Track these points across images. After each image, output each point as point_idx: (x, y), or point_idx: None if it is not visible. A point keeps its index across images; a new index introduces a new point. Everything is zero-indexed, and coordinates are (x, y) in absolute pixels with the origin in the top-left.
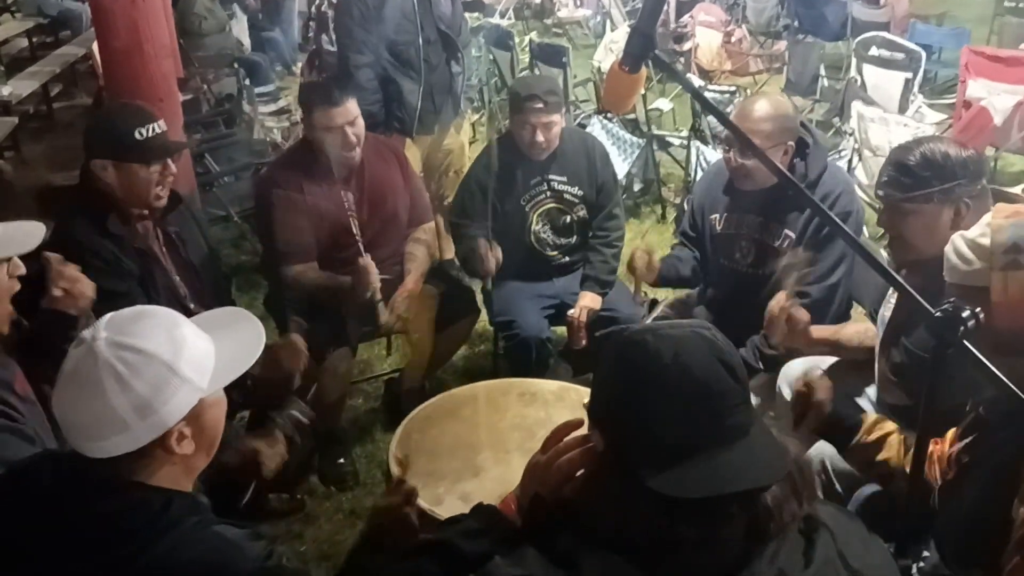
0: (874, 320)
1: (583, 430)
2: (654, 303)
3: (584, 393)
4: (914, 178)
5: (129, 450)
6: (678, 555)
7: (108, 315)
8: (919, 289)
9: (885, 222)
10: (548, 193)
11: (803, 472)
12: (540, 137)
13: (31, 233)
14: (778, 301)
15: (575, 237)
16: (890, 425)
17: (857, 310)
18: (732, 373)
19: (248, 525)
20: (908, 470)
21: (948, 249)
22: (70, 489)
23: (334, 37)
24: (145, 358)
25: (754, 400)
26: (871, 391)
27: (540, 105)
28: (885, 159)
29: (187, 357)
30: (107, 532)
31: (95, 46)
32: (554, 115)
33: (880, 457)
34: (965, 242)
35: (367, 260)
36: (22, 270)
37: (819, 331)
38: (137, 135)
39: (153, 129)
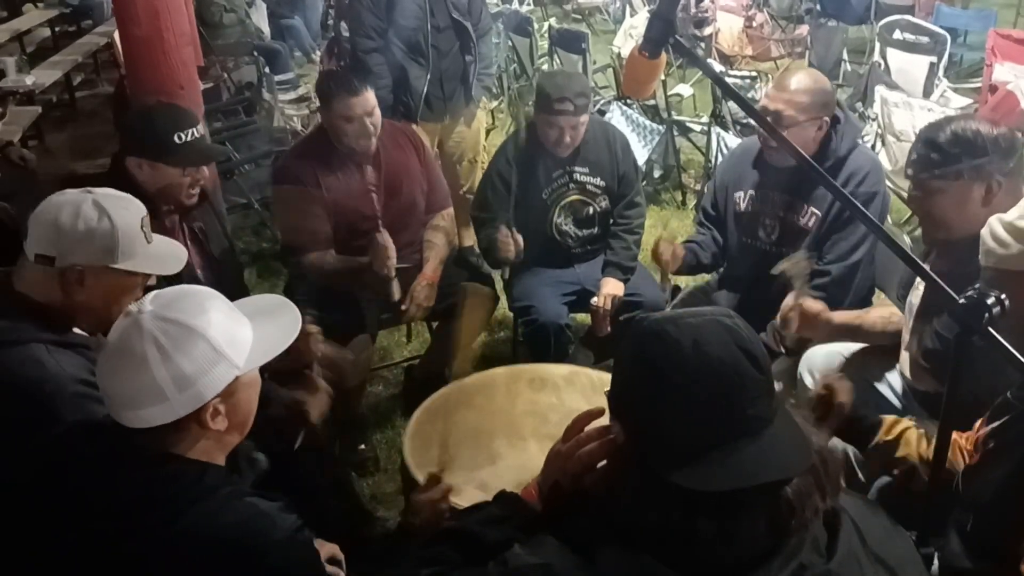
0: (901, 307)
1: (604, 419)
2: (676, 290)
3: (595, 376)
4: (943, 155)
5: (166, 421)
6: (697, 547)
7: (153, 292)
8: (948, 272)
9: (916, 201)
10: (571, 185)
11: (828, 465)
12: (567, 138)
13: (179, 257)
14: (787, 303)
15: (597, 228)
16: (907, 422)
17: (879, 296)
18: (754, 362)
19: (280, 498)
20: (929, 460)
21: (985, 232)
22: (108, 458)
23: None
24: (188, 332)
25: (775, 385)
26: (892, 377)
27: (571, 108)
28: (915, 138)
29: (226, 335)
30: (142, 500)
31: (116, 35)
32: (582, 116)
33: (899, 454)
34: (1003, 225)
35: (385, 236)
36: (153, 280)
37: (842, 316)
38: (176, 139)
39: (192, 134)
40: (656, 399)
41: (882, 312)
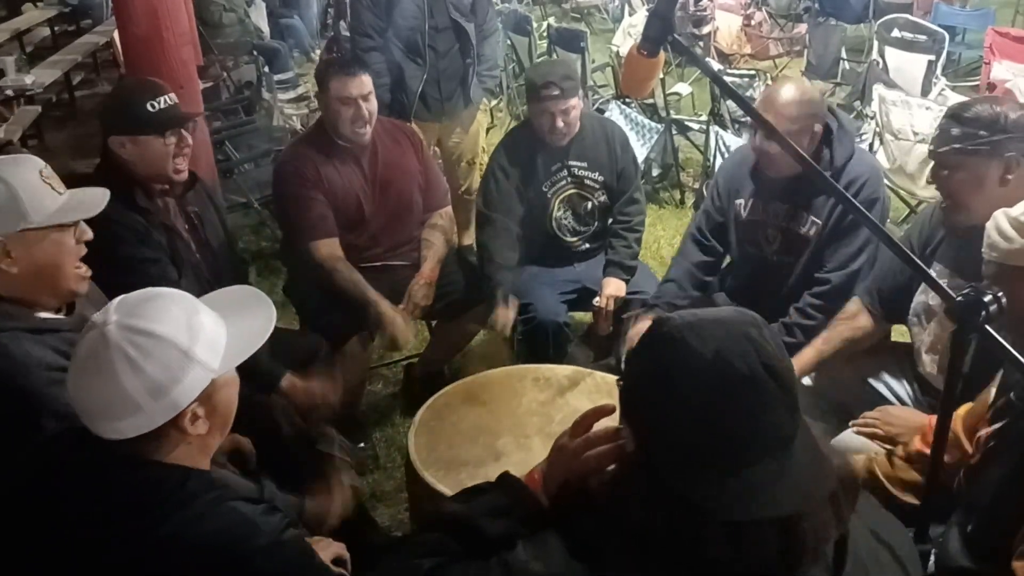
0: (874, 307)
1: (613, 418)
2: None
3: (599, 377)
4: (963, 129)
5: (143, 431)
6: (706, 563)
7: (118, 299)
8: (965, 261)
9: (937, 179)
10: (569, 179)
11: (847, 488)
12: (560, 123)
13: (97, 198)
14: None
15: (596, 223)
16: (866, 458)
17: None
18: (778, 379)
19: (265, 501)
20: (900, 479)
21: (990, 225)
22: (89, 466)
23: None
24: (156, 340)
25: None
26: (887, 374)
27: (557, 92)
28: (942, 115)
29: (197, 338)
30: (125, 506)
31: (116, 34)
32: (572, 99)
33: (873, 490)
34: (1008, 219)
35: (396, 324)
36: (89, 235)
37: (802, 360)
38: (150, 107)
39: (165, 101)
40: (669, 411)
41: (840, 330)
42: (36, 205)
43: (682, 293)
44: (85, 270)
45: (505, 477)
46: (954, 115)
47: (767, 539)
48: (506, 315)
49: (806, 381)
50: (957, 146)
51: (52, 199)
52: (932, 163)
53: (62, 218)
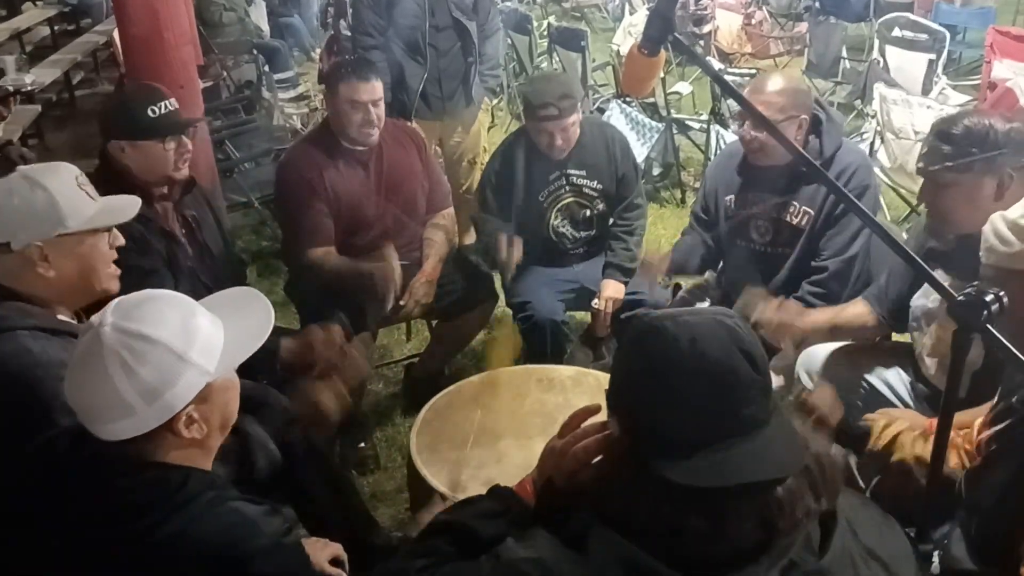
0: (882, 314)
1: (601, 416)
2: (678, 287)
3: (602, 378)
4: (955, 147)
5: (137, 434)
6: (686, 542)
7: (115, 300)
8: (964, 266)
9: (926, 195)
10: (567, 188)
11: (824, 468)
12: (559, 141)
13: (129, 205)
14: (753, 320)
15: (595, 230)
16: (899, 424)
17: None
18: (752, 363)
19: (267, 502)
20: (926, 460)
21: (987, 229)
22: (91, 464)
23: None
24: (150, 344)
25: (776, 380)
26: (887, 374)
27: (555, 113)
28: (928, 132)
29: (193, 341)
30: (125, 506)
31: (116, 34)
32: (570, 117)
33: (894, 458)
34: (1006, 223)
35: (393, 260)
36: (121, 241)
37: (816, 315)
38: (150, 113)
39: (166, 106)
40: (651, 395)
41: (857, 310)
42: (73, 211)
43: (692, 255)
44: (114, 269)
45: (496, 488)
46: (942, 132)
47: (745, 511)
48: (510, 253)
49: (807, 383)
50: (950, 164)
51: (87, 205)
52: (922, 180)
53: (97, 223)
